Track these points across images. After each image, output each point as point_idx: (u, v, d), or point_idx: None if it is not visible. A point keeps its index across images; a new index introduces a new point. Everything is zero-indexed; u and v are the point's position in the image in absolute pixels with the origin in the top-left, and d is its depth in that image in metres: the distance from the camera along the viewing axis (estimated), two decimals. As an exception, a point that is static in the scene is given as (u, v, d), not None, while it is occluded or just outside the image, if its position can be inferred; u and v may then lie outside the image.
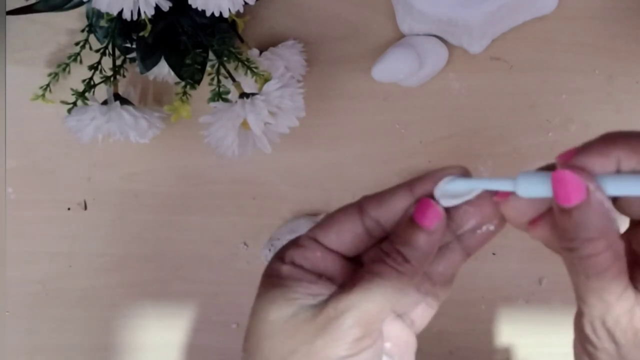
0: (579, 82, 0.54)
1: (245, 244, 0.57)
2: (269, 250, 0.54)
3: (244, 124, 0.48)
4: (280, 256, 0.32)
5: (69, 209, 0.58)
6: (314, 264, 0.31)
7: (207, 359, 0.57)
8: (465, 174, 0.31)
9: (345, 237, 0.32)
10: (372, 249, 0.32)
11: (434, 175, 0.31)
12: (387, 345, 0.33)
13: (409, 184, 0.31)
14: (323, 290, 0.31)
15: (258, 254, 0.56)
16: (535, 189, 0.28)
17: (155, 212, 0.57)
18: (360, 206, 0.32)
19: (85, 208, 0.57)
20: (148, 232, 0.57)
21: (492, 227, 0.32)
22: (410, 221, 0.30)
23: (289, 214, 0.56)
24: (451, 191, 0.31)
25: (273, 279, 0.31)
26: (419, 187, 0.31)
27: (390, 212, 0.31)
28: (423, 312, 0.34)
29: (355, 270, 0.32)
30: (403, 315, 0.34)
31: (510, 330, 0.54)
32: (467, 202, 0.31)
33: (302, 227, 0.53)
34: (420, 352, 0.55)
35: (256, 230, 0.56)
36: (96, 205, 0.57)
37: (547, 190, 0.28)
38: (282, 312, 0.30)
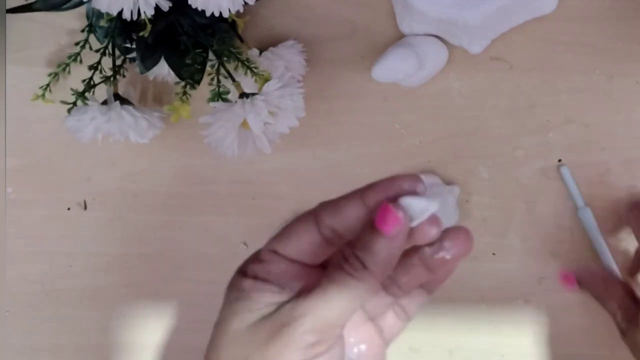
0: (579, 82, 0.54)
1: (245, 244, 0.57)
2: (269, 250, 0.54)
3: (244, 124, 0.48)
4: (242, 270, 0.32)
5: (69, 209, 0.58)
6: (278, 276, 0.31)
7: (207, 359, 0.57)
8: (416, 185, 0.30)
9: (304, 246, 0.31)
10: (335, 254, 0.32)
11: (383, 183, 0.31)
12: (363, 347, 0.32)
13: (360, 192, 0.31)
14: (286, 299, 0.30)
15: (258, 254, 0.56)
16: None
17: (155, 212, 0.57)
18: (315, 214, 0.32)
19: (85, 208, 0.57)
20: (148, 232, 0.57)
21: (448, 256, 0.31)
22: (370, 226, 0.30)
23: (289, 214, 0.56)
24: (411, 209, 0.30)
25: (236, 293, 0.31)
26: (369, 195, 0.31)
27: (344, 220, 0.31)
28: (393, 322, 0.34)
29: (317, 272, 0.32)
30: (374, 320, 0.34)
31: (510, 330, 0.54)
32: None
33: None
34: (421, 352, 0.55)
35: (256, 230, 0.56)
36: (96, 205, 0.57)
37: None
38: (243, 322, 0.30)
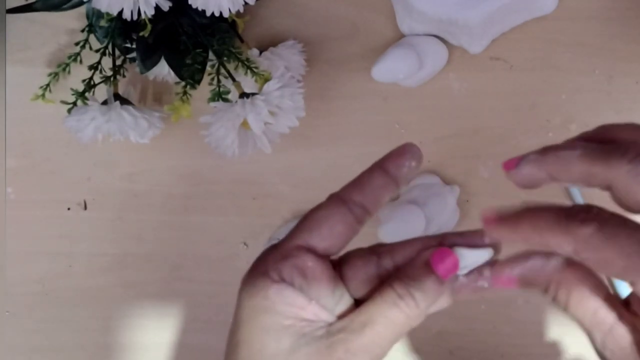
0: (579, 82, 0.54)
1: (245, 244, 0.57)
2: (269, 250, 0.54)
3: (244, 124, 0.48)
4: (264, 268, 0.31)
5: (69, 209, 0.58)
6: (305, 275, 0.30)
7: (207, 359, 0.57)
8: (419, 156, 0.32)
9: (339, 230, 0.31)
10: (374, 274, 0.32)
11: (397, 151, 0.32)
12: None
13: (378, 164, 0.32)
14: (315, 315, 0.30)
15: (258, 254, 0.56)
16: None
17: (155, 212, 0.57)
18: (341, 197, 0.32)
19: (85, 208, 0.57)
20: (148, 232, 0.57)
21: (486, 285, 0.31)
22: (426, 266, 0.30)
23: (289, 214, 0.56)
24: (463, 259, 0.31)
25: (260, 300, 0.30)
26: (387, 164, 0.32)
27: (370, 191, 0.32)
28: None
29: (339, 277, 0.31)
30: None
31: (510, 331, 0.54)
32: None
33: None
34: (420, 352, 0.55)
35: (256, 230, 0.56)
36: (96, 205, 0.57)
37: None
38: (280, 344, 0.29)
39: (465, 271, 0.31)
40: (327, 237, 0.31)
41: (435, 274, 0.30)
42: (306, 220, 0.32)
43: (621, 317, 0.29)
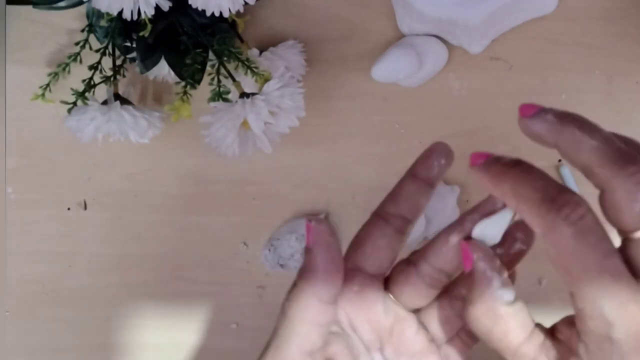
0: (579, 82, 0.54)
1: (245, 244, 0.57)
2: (269, 250, 0.54)
3: (244, 124, 0.48)
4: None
5: (69, 209, 0.58)
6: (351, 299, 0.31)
7: (207, 359, 0.57)
8: (448, 152, 0.32)
9: (381, 244, 0.31)
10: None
11: (423, 155, 0.32)
12: None
13: (409, 172, 0.32)
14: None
15: (258, 254, 0.56)
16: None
17: (155, 212, 0.57)
18: (377, 212, 0.32)
19: (85, 208, 0.57)
20: (148, 232, 0.57)
21: (524, 247, 0.32)
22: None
23: (289, 214, 0.56)
24: (486, 232, 0.31)
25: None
26: (417, 168, 0.32)
27: (406, 200, 0.32)
28: (460, 348, 0.34)
29: (389, 295, 0.32)
30: (440, 347, 0.33)
31: (510, 330, 0.54)
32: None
33: (302, 227, 0.53)
34: (420, 352, 0.55)
35: (256, 230, 0.56)
36: (96, 205, 0.57)
37: None
38: None
39: (497, 239, 0.30)
40: (371, 253, 0.31)
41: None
42: (351, 242, 0.32)
43: (544, 348, 0.29)
